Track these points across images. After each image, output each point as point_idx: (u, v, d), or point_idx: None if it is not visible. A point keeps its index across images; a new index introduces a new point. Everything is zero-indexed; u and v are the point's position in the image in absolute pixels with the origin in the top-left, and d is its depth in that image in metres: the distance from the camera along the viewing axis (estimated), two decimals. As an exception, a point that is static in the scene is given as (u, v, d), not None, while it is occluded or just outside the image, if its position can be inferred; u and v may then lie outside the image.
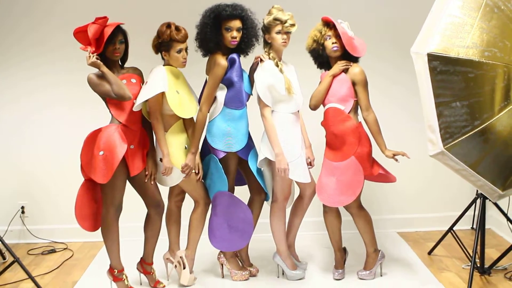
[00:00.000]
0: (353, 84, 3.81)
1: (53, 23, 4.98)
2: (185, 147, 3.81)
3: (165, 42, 3.65)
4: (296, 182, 3.92)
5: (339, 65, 3.83)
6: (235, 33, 3.69)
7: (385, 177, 4.00)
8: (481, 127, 3.05)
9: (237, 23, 3.69)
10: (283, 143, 3.75)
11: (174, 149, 3.75)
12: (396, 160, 3.84)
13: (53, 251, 4.88)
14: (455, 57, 3.00)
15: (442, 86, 3.02)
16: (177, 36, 3.63)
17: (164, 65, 3.75)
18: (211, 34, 3.68)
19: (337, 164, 3.84)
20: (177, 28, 3.65)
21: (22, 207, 5.09)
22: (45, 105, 5.06)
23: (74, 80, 4.83)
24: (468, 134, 3.06)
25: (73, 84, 4.93)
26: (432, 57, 2.98)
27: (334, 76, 3.85)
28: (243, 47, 3.81)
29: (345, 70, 3.83)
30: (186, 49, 3.71)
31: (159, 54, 3.75)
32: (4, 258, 4.60)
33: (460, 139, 3.04)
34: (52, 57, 5.01)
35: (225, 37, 3.71)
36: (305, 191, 4.04)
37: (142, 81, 3.76)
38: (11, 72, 5.03)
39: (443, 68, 3.00)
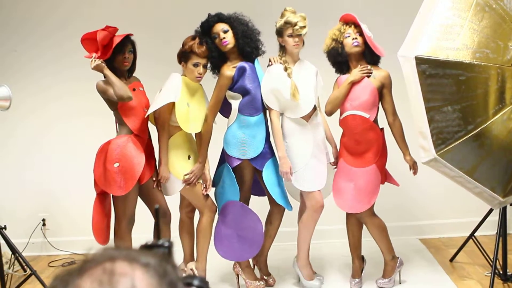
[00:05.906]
0: (381, 87, 3.69)
1: (68, 32, 4.96)
2: (188, 157, 3.81)
3: (186, 53, 3.68)
4: (301, 196, 3.87)
5: (359, 71, 3.69)
6: (222, 35, 3.67)
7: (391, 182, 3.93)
8: (475, 131, 2.92)
9: (219, 26, 3.68)
10: (288, 149, 3.71)
11: (174, 158, 3.76)
12: (410, 169, 3.79)
13: (73, 263, 4.95)
14: (444, 59, 2.88)
15: (432, 90, 2.91)
16: (197, 50, 3.65)
17: (182, 75, 3.77)
18: (210, 46, 3.68)
19: (356, 169, 3.77)
20: (201, 42, 3.67)
21: (43, 220, 5.19)
22: (62, 118, 5.12)
23: (92, 90, 4.91)
24: (462, 140, 2.93)
25: (91, 94, 4.95)
26: (420, 61, 2.87)
27: (354, 83, 3.71)
28: (242, 47, 3.73)
29: (368, 76, 3.70)
30: (204, 65, 3.71)
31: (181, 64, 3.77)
32: (25, 270, 4.71)
33: (453, 144, 2.91)
34: (67, 66, 5.01)
35: (218, 44, 3.70)
36: (303, 207, 3.91)
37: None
38: (26, 82, 5.04)
39: (433, 72, 2.89)
